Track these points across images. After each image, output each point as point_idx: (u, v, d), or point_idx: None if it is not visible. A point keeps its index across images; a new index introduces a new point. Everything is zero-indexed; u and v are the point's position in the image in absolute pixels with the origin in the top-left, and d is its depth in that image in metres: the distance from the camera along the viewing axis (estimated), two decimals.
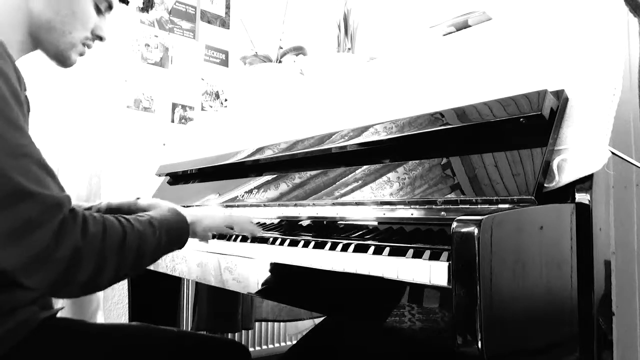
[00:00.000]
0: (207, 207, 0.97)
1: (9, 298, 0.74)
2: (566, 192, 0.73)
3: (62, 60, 0.85)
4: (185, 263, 1.21)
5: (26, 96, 0.75)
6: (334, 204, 0.99)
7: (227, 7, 2.49)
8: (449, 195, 0.79)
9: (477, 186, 0.78)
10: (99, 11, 0.88)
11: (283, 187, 1.17)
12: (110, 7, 0.90)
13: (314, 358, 1.52)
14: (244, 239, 1.05)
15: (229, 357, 0.98)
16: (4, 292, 0.73)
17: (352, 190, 0.97)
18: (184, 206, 1.48)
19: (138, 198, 1.12)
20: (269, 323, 2.28)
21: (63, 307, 0.96)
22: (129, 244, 0.71)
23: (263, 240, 1.00)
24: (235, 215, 0.99)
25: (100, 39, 0.89)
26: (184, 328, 2.06)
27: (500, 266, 0.59)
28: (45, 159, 0.67)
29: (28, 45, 0.82)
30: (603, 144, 0.73)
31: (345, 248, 0.80)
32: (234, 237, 1.09)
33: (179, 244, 0.84)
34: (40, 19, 0.80)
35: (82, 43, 0.85)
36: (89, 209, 1.10)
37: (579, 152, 0.73)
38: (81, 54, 0.87)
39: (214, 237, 1.07)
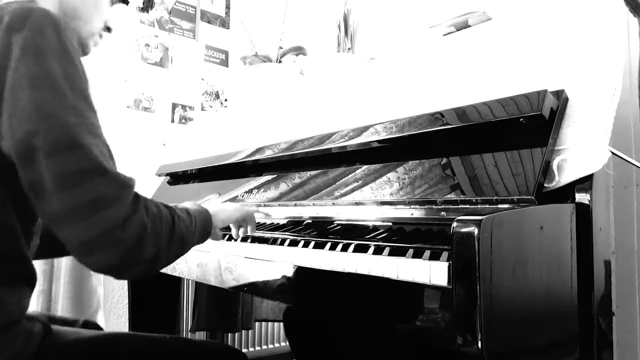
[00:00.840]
0: (216, 202, 0.98)
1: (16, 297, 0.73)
2: (566, 192, 0.73)
3: (83, 48, 0.86)
4: (185, 263, 1.21)
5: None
6: (334, 204, 0.99)
7: (227, 7, 2.49)
8: (449, 195, 0.79)
9: (477, 186, 0.78)
10: (110, 2, 0.89)
11: (283, 187, 1.17)
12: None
13: (314, 358, 1.52)
14: (244, 239, 1.05)
15: None
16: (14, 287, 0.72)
17: (352, 190, 0.97)
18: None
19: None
20: (269, 323, 2.28)
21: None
22: (177, 228, 0.73)
23: (263, 240, 1.00)
24: (246, 208, 0.99)
25: (109, 30, 0.90)
26: (184, 328, 2.06)
27: (500, 266, 0.59)
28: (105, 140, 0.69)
29: None
30: (603, 144, 0.73)
31: (345, 248, 0.80)
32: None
33: (206, 236, 0.86)
34: (68, 6, 0.81)
35: (98, 34, 0.87)
36: None
37: (579, 152, 0.73)
38: (95, 45, 0.89)
39: (223, 237, 1.07)
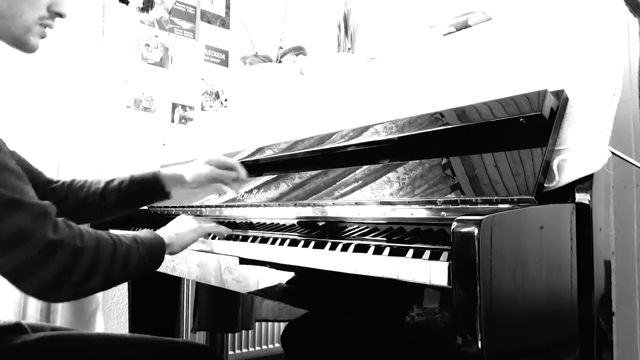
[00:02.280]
0: (177, 221, 1.02)
1: None
2: (566, 192, 0.73)
3: (22, 45, 0.81)
4: (185, 263, 1.21)
5: None
6: (334, 204, 0.99)
7: (227, 7, 2.49)
8: (449, 195, 0.79)
9: (477, 186, 0.78)
10: None
11: (283, 187, 1.17)
12: None
13: (314, 358, 1.52)
14: (244, 239, 1.05)
15: None
16: None
17: (352, 190, 0.97)
18: (182, 206, 1.48)
19: (160, 168, 1.18)
20: (269, 323, 2.28)
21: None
22: (118, 255, 0.75)
23: (263, 240, 1.00)
24: (205, 225, 1.03)
25: (60, 15, 0.83)
26: (184, 328, 2.06)
27: (501, 266, 0.59)
28: (19, 170, 0.67)
29: None
30: (603, 144, 0.73)
31: (345, 248, 0.80)
32: (233, 237, 1.09)
33: (157, 262, 0.89)
34: None
35: (39, 24, 0.80)
36: (112, 180, 1.12)
37: (579, 152, 0.73)
38: (42, 36, 0.82)
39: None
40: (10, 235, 0.62)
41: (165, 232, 0.94)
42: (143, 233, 0.87)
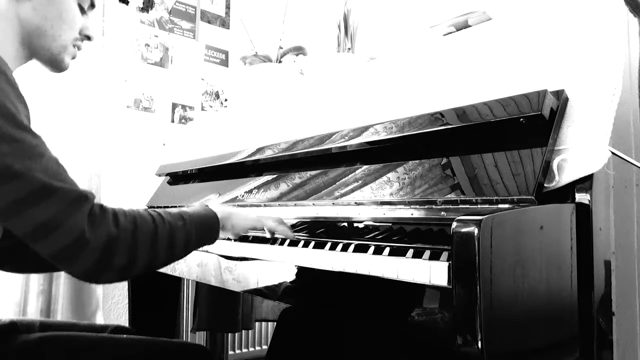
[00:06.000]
0: (240, 207, 0.98)
1: None
2: (566, 192, 0.73)
3: (57, 64, 0.86)
4: (185, 263, 1.21)
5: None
6: (334, 204, 0.99)
7: (227, 7, 2.49)
8: (449, 195, 0.79)
9: (477, 186, 0.78)
10: (82, 11, 0.87)
11: (283, 187, 1.17)
12: (92, 5, 0.89)
13: (313, 357, 1.52)
14: (244, 239, 1.05)
15: None
16: None
17: (352, 190, 0.97)
18: (182, 206, 1.48)
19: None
20: (269, 323, 2.28)
21: None
22: (160, 236, 0.74)
23: (263, 240, 1.00)
24: (265, 216, 0.98)
25: (89, 38, 0.89)
26: (184, 328, 2.06)
27: (500, 266, 0.59)
28: (57, 158, 0.69)
29: (22, 57, 0.83)
30: (603, 144, 0.73)
31: (345, 248, 0.80)
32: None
33: (210, 239, 0.86)
34: (30, 26, 0.80)
35: (72, 45, 0.86)
36: None
37: (579, 152, 0.73)
38: (73, 57, 0.88)
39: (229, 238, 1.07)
40: (44, 221, 0.63)
41: (222, 208, 0.92)
42: (193, 208, 0.85)
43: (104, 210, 0.69)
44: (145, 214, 0.74)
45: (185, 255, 0.81)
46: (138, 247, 0.70)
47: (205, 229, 0.85)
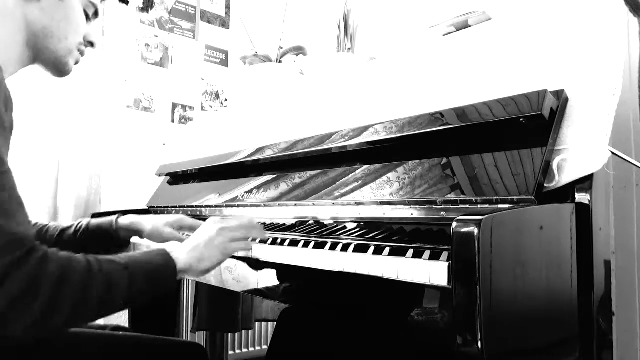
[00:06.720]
0: (202, 234, 0.86)
1: None
2: (566, 192, 0.73)
3: (61, 67, 0.86)
4: None
5: (11, 118, 0.74)
6: (334, 204, 0.99)
7: (227, 7, 2.49)
8: (449, 195, 0.79)
9: (477, 186, 0.78)
10: (87, 17, 0.88)
11: (283, 187, 1.17)
12: (96, 14, 0.90)
13: (313, 357, 1.52)
14: None
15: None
16: None
17: (352, 190, 0.97)
18: (182, 206, 1.48)
19: (119, 216, 1.15)
20: (269, 323, 2.28)
21: None
22: (92, 288, 0.66)
23: (263, 240, 1.00)
24: (233, 245, 0.87)
25: (92, 45, 0.90)
26: (184, 328, 2.06)
27: (500, 266, 0.59)
28: (17, 191, 0.64)
29: (26, 58, 0.83)
30: (603, 144, 0.73)
31: (345, 248, 0.80)
32: None
33: (163, 288, 0.78)
34: (37, 26, 0.80)
35: (77, 49, 0.86)
36: (68, 228, 1.11)
37: (579, 152, 0.73)
38: (76, 62, 0.88)
39: None
40: None
41: (188, 254, 0.82)
42: (146, 256, 0.76)
43: (32, 254, 0.61)
44: (81, 261, 0.66)
45: (127, 307, 0.73)
46: (59, 299, 0.62)
47: (155, 280, 0.76)
